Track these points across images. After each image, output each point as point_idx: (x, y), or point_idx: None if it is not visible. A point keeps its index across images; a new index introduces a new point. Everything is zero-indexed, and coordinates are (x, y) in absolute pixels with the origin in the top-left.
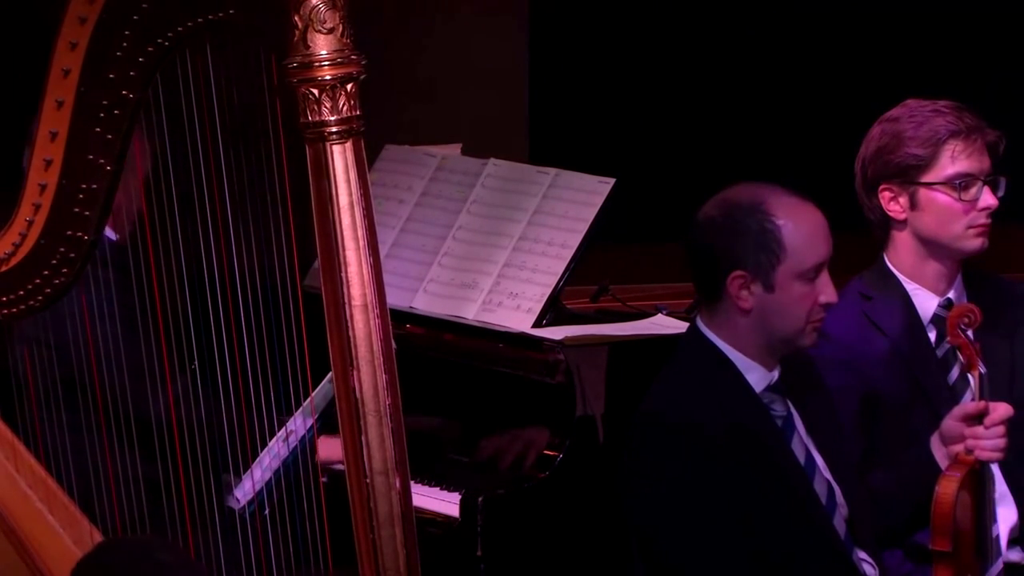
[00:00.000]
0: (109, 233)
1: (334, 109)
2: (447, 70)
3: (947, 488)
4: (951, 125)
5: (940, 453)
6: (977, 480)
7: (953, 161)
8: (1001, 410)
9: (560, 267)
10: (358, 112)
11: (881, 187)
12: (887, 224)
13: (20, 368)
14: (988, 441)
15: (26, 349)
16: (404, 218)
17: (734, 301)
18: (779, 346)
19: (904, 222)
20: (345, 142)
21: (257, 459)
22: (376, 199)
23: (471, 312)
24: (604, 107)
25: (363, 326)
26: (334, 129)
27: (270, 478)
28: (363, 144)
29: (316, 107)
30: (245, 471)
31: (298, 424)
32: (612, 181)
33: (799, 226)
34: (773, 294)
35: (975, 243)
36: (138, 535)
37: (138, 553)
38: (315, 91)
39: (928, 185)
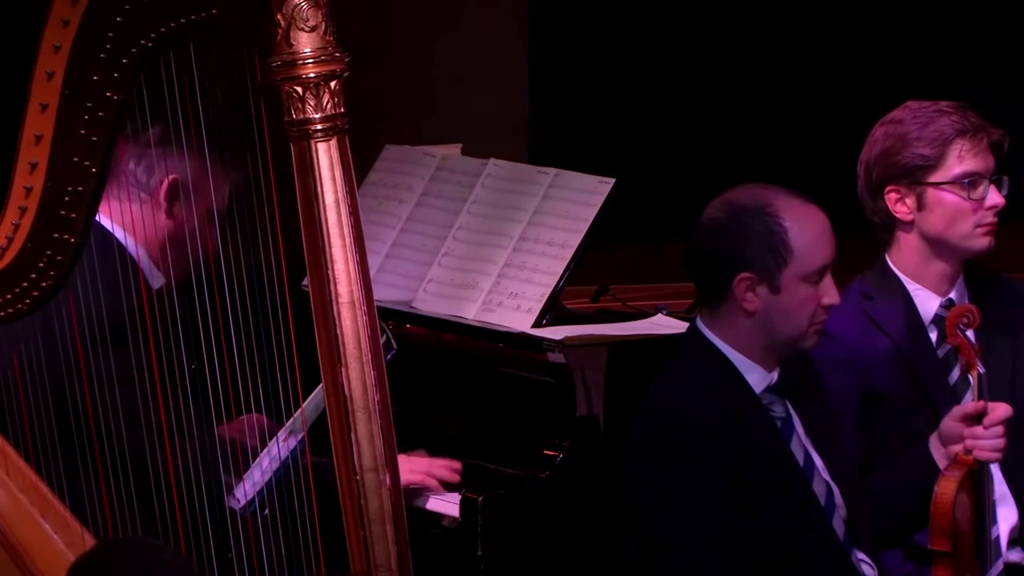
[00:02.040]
0: (154, 273)
1: (318, 107)
2: (447, 70)
3: (946, 488)
4: (957, 124)
5: (939, 453)
6: (976, 480)
7: (960, 160)
8: (1000, 410)
9: (560, 267)
10: (342, 110)
11: (887, 189)
12: (892, 225)
13: (11, 373)
14: (987, 441)
15: (16, 353)
16: (404, 218)
17: (739, 303)
18: (781, 347)
19: (910, 223)
20: (330, 140)
21: (257, 460)
22: (376, 199)
23: (471, 312)
24: (604, 107)
25: (351, 323)
26: (319, 127)
27: (270, 479)
28: (348, 141)
29: (300, 105)
30: (244, 472)
31: (296, 425)
32: (612, 181)
33: (805, 228)
34: (778, 296)
35: (983, 242)
36: (140, 536)
37: (139, 552)
38: (299, 89)
39: (936, 185)
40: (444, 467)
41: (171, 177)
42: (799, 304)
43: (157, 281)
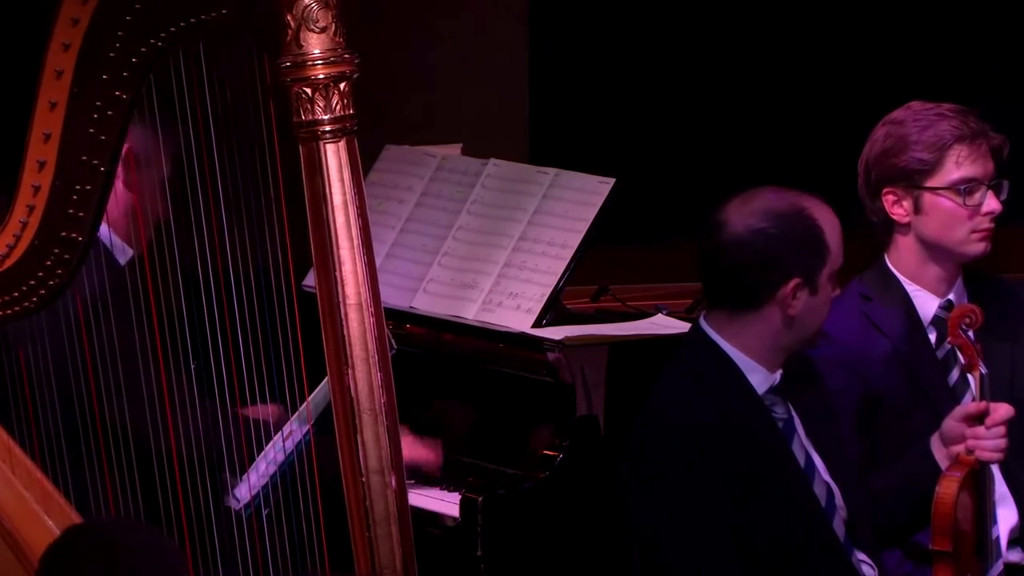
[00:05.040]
0: (121, 247)
1: (327, 108)
2: (448, 70)
3: (947, 488)
4: (956, 130)
5: (940, 453)
6: (977, 480)
7: (958, 166)
8: (1002, 411)
9: (560, 267)
10: (351, 111)
11: (885, 190)
12: (890, 226)
13: (16, 369)
14: (989, 442)
15: (22, 351)
16: (404, 218)
17: (783, 309)
18: (797, 347)
19: (907, 225)
20: (339, 141)
21: (256, 459)
22: (376, 199)
23: (471, 312)
24: (604, 107)
25: (358, 325)
26: (327, 128)
27: (270, 478)
28: (356, 143)
29: (309, 106)
30: (244, 471)
31: (296, 425)
32: (612, 181)
33: (832, 226)
34: (815, 296)
35: (978, 247)
36: (106, 519)
37: (104, 537)
38: (308, 90)
39: (932, 190)
40: (425, 455)
41: (125, 147)
42: (826, 302)
43: (124, 256)
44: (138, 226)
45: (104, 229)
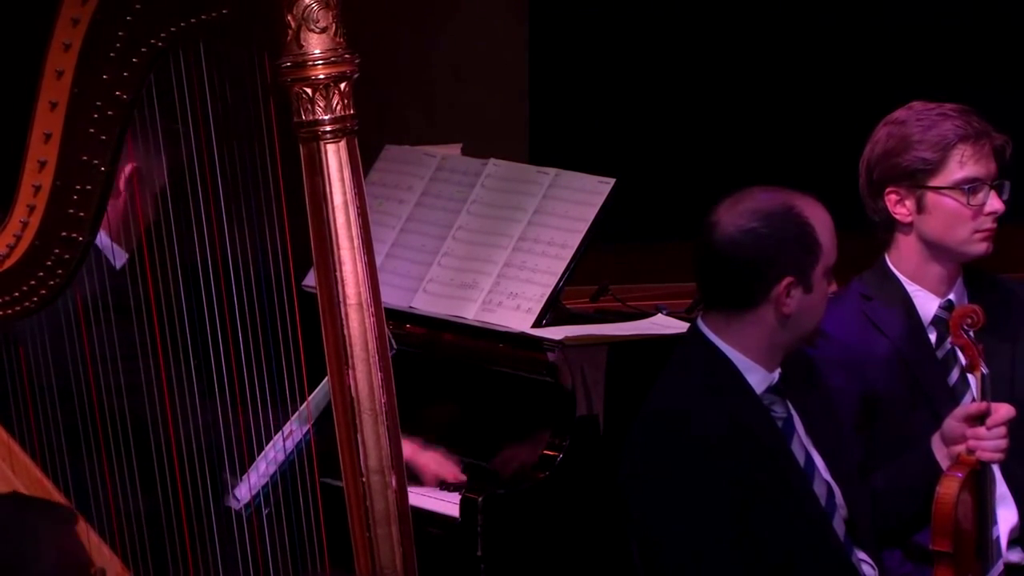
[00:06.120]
0: (117, 251)
1: (328, 108)
2: (447, 70)
3: (948, 488)
4: (960, 129)
5: (941, 453)
6: (978, 481)
7: (961, 166)
8: (1003, 411)
9: (560, 267)
10: (352, 111)
11: (887, 190)
12: (891, 226)
13: (16, 369)
14: (990, 442)
15: (22, 350)
16: (404, 218)
17: (777, 307)
18: (794, 346)
19: (910, 225)
20: (339, 141)
21: (257, 459)
22: (376, 199)
23: (471, 312)
24: (604, 107)
25: (358, 325)
26: (328, 128)
27: (270, 478)
28: (356, 143)
29: (310, 106)
30: (244, 471)
31: (296, 425)
32: (612, 181)
33: (824, 223)
34: (810, 294)
35: (981, 247)
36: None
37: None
38: (308, 90)
39: (936, 189)
40: (452, 474)
41: (130, 165)
42: (822, 299)
43: (120, 259)
44: (135, 230)
45: (100, 233)
